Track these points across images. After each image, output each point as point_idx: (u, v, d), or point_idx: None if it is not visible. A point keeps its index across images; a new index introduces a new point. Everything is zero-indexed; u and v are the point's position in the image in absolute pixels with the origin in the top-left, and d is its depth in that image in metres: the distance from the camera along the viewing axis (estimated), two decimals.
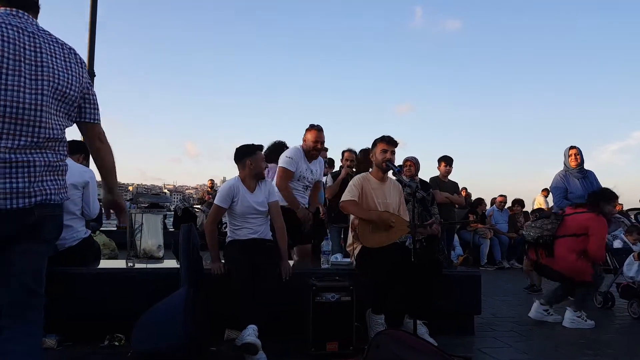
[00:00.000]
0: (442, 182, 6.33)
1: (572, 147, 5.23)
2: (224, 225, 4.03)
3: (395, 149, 3.68)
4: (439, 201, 5.72)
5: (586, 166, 5.10)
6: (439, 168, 6.40)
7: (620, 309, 4.68)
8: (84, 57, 7.19)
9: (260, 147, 3.64)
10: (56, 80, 1.81)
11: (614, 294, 4.95)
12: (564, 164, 5.07)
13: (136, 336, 2.65)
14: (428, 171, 6.23)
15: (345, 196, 3.62)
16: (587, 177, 5.07)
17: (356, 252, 3.56)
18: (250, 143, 3.60)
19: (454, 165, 6.48)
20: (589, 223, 4.09)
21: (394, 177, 3.84)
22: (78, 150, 3.81)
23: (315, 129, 4.18)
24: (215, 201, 3.57)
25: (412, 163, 5.50)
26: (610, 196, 4.31)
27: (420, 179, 5.65)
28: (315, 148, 4.16)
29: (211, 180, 12.47)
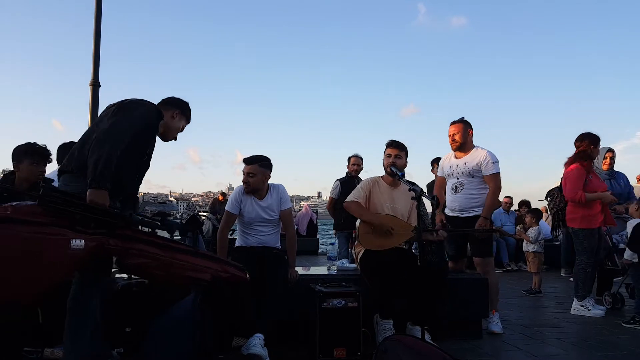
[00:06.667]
0: None
1: (609, 150, 5.20)
2: (231, 232, 4.04)
3: (402, 153, 3.67)
4: None
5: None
6: (432, 171, 6.09)
7: (629, 309, 4.64)
8: (89, 66, 7.15)
9: (249, 159, 3.53)
10: None
11: (624, 294, 4.92)
12: (594, 164, 4.98)
13: (145, 347, 2.65)
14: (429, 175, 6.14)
15: (350, 197, 3.64)
16: (615, 178, 5.09)
17: (360, 255, 3.56)
18: (254, 155, 3.57)
19: None
20: None
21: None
22: None
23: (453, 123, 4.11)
24: (226, 207, 3.62)
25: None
26: None
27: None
28: (453, 139, 4.07)
29: (223, 194, 12.51)
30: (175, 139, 2.87)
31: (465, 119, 4.11)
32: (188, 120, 2.90)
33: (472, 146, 4.08)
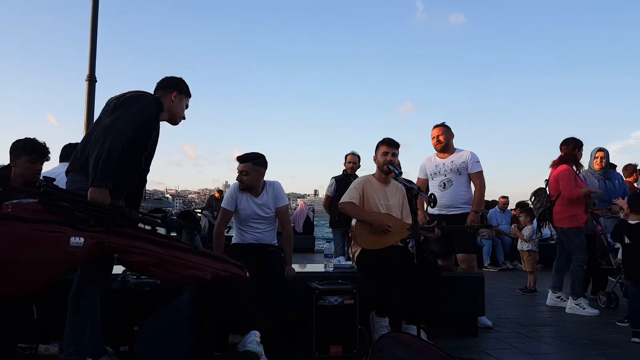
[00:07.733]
0: None
1: (600, 150, 5.24)
2: (227, 229, 4.03)
3: (397, 151, 3.68)
4: None
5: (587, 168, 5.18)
6: None
7: (624, 308, 4.66)
8: (86, 61, 7.08)
9: (242, 158, 3.50)
10: None
11: (618, 293, 4.95)
12: (588, 164, 5.16)
13: (140, 345, 2.64)
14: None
15: (345, 198, 3.63)
16: (610, 178, 5.12)
17: (356, 254, 3.55)
18: (248, 153, 3.55)
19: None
20: None
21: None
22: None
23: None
24: (222, 204, 3.61)
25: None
26: None
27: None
28: (438, 141, 4.30)
29: (219, 190, 12.40)
30: (184, 118, 2.85)
31: (447, 123, 4.38)
32: (188, 95, 2.87)
33: (454, 148, 4.36)
